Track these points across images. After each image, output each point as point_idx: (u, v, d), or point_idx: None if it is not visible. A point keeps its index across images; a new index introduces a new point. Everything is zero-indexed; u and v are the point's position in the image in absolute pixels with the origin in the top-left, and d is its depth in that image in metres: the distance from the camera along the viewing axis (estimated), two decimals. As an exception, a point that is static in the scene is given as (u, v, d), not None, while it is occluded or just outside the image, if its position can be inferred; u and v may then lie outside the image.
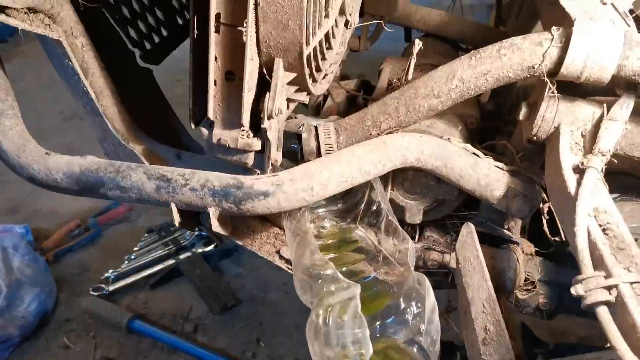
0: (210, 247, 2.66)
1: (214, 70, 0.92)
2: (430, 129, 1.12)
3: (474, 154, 1.08)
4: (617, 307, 0.77)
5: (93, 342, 2.30)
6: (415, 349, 0.92)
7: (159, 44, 1.26)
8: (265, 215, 1.19)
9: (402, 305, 0.97)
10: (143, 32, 1.23)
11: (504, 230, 1.18)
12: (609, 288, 0.77)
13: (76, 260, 2.74)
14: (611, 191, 1.10)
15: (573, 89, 0.99)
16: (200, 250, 2.64)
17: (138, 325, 2.30)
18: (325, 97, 1.48)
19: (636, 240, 1.01)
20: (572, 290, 0.86)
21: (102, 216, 2.93)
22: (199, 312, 2.41)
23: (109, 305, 2.38)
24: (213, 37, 0.89)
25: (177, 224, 0.96)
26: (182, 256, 2.62)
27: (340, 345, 0.82)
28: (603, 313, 0.77)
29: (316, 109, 1.47)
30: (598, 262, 0.80)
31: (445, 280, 1.26)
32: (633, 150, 0.94)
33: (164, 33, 1.29)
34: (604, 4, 0.88)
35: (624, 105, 0.89)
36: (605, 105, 0.92)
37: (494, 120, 1.35)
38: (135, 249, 2.70)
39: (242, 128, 0.96)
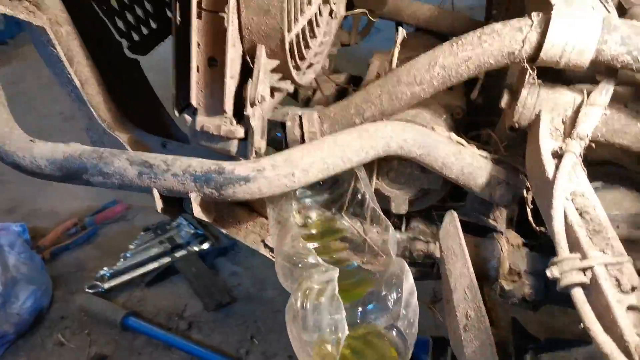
0: (207, 246, 2.67)
1: (197, 57, 0.92)
2: (416, 118, 1.12)
3: (458, 143, 1.08)
4: (592, 289, 0.77)
5: (88, 339, 2.30)
6: (394, 333, 0.92)
7: (147, 35, 1.28)
8: (251, 204, 1.20)
9: (383, 292, 0.97)
10: (131, 23, 1.24)
11: (489, 220, 1.18)
12: (583, 270, 0.77)
13: (73, 258, 2.75)
14: (596, 180, 1.11)
15: (558, 78, 0.99)
16: (196, 249, 2.65)
17: (133, 323, 2.30)
18: (315, 90, 1.49)
19: (617, 227, 1.02)
20: (548, 273, 0.86)
21: (99, 215, 2.94)
22: (194, 310, 2.41)
23: (104, 303, 2.38)
24: (195, 23, 0.90)
25: (159, 210, 0.97)
26: (178, 254, 2.62)
27: (316, 329, 0.82)
28: (578, 294, 0.77)
29: (306, 103, 1.48)
30: (574, 245, 0.80)
31: (432, 271, 1.26)
32: (613, 136, 0.95)
33: (153, 25, 1.30)
34: (583, -11, 0.88)
35: (604, 91, 0.89)
36: (585, 91, 0.93)
37: (487, 114, 1.35)
38: (132, 247, 2.70)
39: (225, 115, 0.97)
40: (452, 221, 1.06)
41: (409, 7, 1.58)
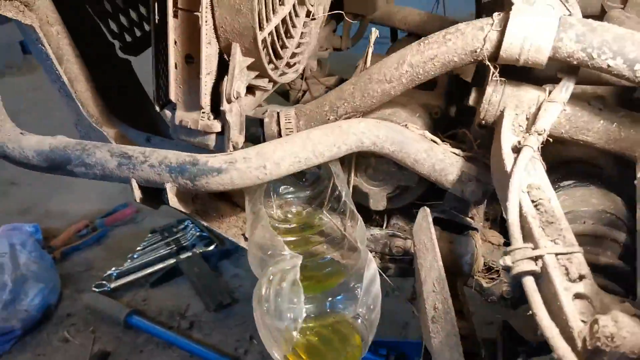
0: (211, 248, 2.72)
1: (174, 54, 0.97)
2: (392, 117, 1.16)
3: (432, 140, 1.11)
4: (542, 277, 0.79)
5: (92, 336, 2.37)
6: (360, 322, 0.95)
7: (140, 37, 1.33)
8: (234, 199, 1.24)
9: (352, 283, 1.00)
10: (124, 25, 1.30)
11: (466, 218, 1.21)
12: (535, 259, 0.79)
13: (82, 258, 2.83)
14: (570, 178, 1.13)
15: (530, 78, 1.02)
16: (200, 251, 2.70)
17: (136, 321, 2.36)
18: (306, 92, 1.53)
19: (584, 223, 1.03)
20: (501, 261, 0.88)
21: (109, 217, 3.03)
22: (195, 310, 2.46)
23: (109, 301, 2.45)
24: (172, 22, 0.94)
25: (137, 200, 1.01)
26: (182, 256, 2.68)
27: (278, 313, 0.85)
28: (528, 283, 0.79)
29: (296, 104, 1.52)
30: (528, 235, 0.82)
31: (411, 267, 1.28)
32: (577, 133, 0.97)
33: (146, 28, 1.36)
34: (544, -11, 0.91)
35: (564, 88, 0.92)
36: (547, 89, 0.95)
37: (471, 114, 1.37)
38: (139, 248, 2.78)
39: (202, 110, 1.02)
40: (424, 217, 1.09)
41: (399, 12, 1.62)
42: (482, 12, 1.60)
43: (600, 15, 1.26)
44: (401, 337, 2.26)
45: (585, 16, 1.28)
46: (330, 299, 1.01)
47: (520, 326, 1.18)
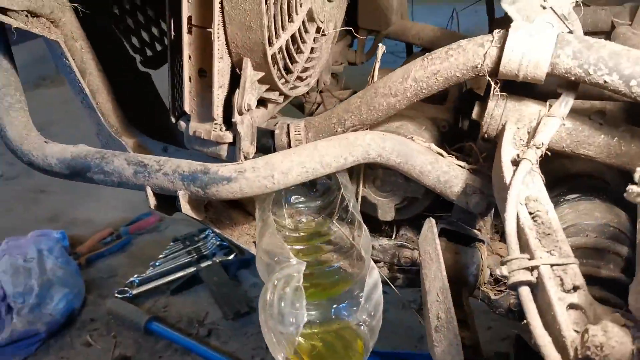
0: (230, 257, 2.77)
1: (189, 68, 1.02)
2: (400, 129, 1.19)
3: (438, 153, 1.13)
4: (538, 288, 0.81)
5: (113, 341, 2.42)
6: (363, 328, 0.98)
7: (160, 52, 1.39)
8: (246, 207, 1.28)
9: (356, 291, 1.03)
10: (145, 40, 1.36)
11: (473, 230, 1.22)
12: (531, 269, 0.81)
13: (106, 265, 2.90)
14: (573, 192, 1.14)
15: (532, 93, 1.04)
16: (220, 260, 2.75)
17: (155, 327, 2.41)
18: (320, 105, 1.57)
19: (587, 236, 1.04)
20: (497, 271, 0.90)
21: (133, 225, 3.10)
22: (214, 318, 2.50)
23: (130, 307, 2.51)
24: (186, 38, 0.99)
25: (152, 207, 1.06)
26: (202, 264, 2.73)
27: (280, 317, 0.89)
28: (524, 292, 0.81)
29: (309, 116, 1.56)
30: (524, 246, 0.84)
31: (419, 278, 1.30)
32: (578, 147, 0.98)
33: (166, 43, 1.41)
34: (544, 8, 0.93)
35: (563, 103, 0.93)
36: (548, 103, 0.97)
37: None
38: (161, 256, 2.84)
39: (215, 122, 1.06)
40: (430, 227, 1.11)
41: (413, 27, 1.65)
42: (494, 28, 1.63)
43: (610, 31, 1.27)
44: (416, 350, 2.27)
45: (596, 32, 1.31)
46: (335, 306, 1.04)
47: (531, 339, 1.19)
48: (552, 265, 0.81)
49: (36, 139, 1.11)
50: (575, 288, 0.79)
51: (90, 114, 1.18)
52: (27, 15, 1.00)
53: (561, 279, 0.80)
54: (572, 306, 0.78)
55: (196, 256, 2.79)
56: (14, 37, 1.02)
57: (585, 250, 1.01)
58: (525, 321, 0.80)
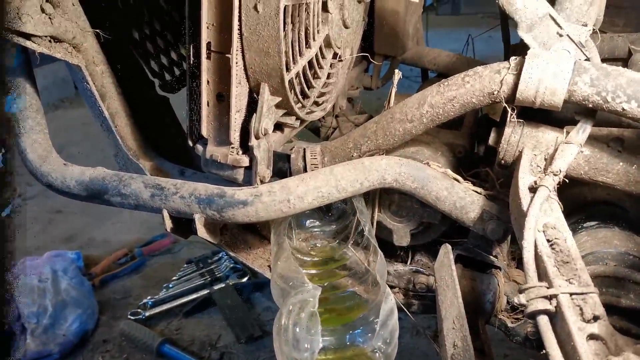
0: (244, 280, 2.77)
1: (207, 93, 1.04)
2: (416, 154, 1.19)
3: (454, 179, 1.13)
4: (557, 317, 0.79)
5: (125, 363, 2.42)
6: (378, 356, 0.97)
7: (178, 76, 1.41)
8: (262, 232, 1.28)
9: (372, 317, 1.02)
10: (164, 65, 1.38)
11: (489, 256, 1.21)
12: (549, 298, 0.80)
13: (120, 286, 2.91)
14: (591, 219, 1.13)
15: (550, 120, 1.04)
16: (233, 282, 2.75)
17: (168, 350, 2.40)
18: (335, 129, 1.58)
19: (606, 264, 1.03)
20: (515, 299, 0.88)
21: (148, 247, 3.11)
22: (226, 341, 2.49)
23: (143, 329, 2.50)
24: (205, 63, 1.01)
25: (168, 230, 1.07)
26: (216, 287, 2.73)
27: (295, 342, 0.88)
28: (542, 321, 0.79)
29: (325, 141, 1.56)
30: (543, 274, 0.83)
31: (434, 304, 1.29)
32: (597, 175, 0.97)
33: (185, 67, 1.44)
34: (561, 35, 0.94)
35: (580, 130, 0.93)
36: (565, 130, 0.97)
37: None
38: (174, 278, 2.84)
39: (232, 145, 1.07)
40: (446, 253, 1.10)
41: (429, 53, 1.66)
42: (510, 54, 1.63)
43: (628, 58, 1.27)
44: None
45: (613, 59, 1.31)
46: (350, 332, 1.03)
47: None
48: (571, 294, 0.80)
49: (55, 161, 1.13)
50: (596, 318, 0.78)
51: (109, 137, 1.20)
52: (50, 41, 1.02)
53: (581, 309, 0.79)
54: (592, 336, 0.77)
55: (209, 278, 2.78)
56: (37, 61, 1.05)
57: (604, 279, 0.99)
58: (544, 351, 0.78)
